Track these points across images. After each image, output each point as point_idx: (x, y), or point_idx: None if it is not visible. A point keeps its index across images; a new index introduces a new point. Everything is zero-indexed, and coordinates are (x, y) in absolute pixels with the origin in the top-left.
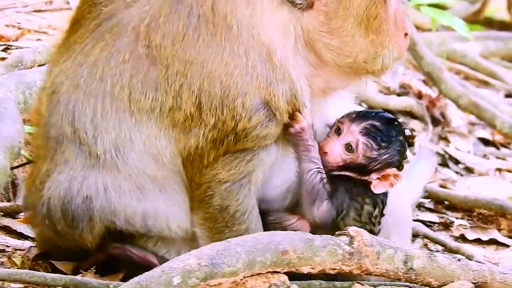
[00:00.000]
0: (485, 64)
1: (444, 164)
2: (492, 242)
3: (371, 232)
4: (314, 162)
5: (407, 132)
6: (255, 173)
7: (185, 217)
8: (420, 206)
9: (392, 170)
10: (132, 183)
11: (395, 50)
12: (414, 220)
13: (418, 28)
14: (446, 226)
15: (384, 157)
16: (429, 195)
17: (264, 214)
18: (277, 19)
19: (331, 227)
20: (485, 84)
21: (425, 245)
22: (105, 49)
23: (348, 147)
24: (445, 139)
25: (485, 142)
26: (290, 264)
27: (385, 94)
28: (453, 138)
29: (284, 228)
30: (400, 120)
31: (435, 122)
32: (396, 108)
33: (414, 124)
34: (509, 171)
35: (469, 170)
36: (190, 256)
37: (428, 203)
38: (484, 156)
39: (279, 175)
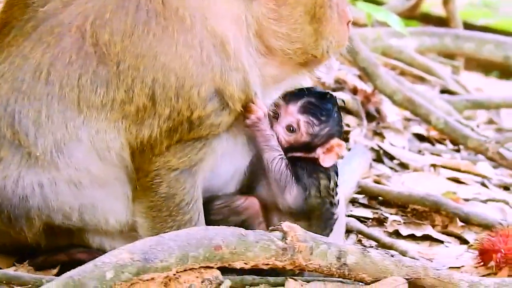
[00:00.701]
0: (421, 60)
1: (379, 159)
2: (426, 238)
3: (331, 204)
4: (276, 149)
5: (340, 103)
6: (205, 161)
7: (126, 211)
8: (354, 202)
9: (335, 141)
10: (71, 181)
11: (338, 38)
12: (348, 216)
13: (354, 23)
14: (380, 221)
15: (325, 130)
16: (363, 190)
17: (209, 202)
18: (229, 9)
19: (304, 209)
20: (421, 79)
21: (359, 240)
22: (48, 51)
23: (290, 128)
24: (380, 134)
25: (420, 138)
26: (223, 259)
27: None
28: (388, 134)
29: (233, 211)
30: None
31: (370, 117)
32: None
33: (349, 119)
34: (443, 167)
35: (404, 166)
36: (123, 251)
37: (362, 199)
38: (419, 152)
39: (227, 163)
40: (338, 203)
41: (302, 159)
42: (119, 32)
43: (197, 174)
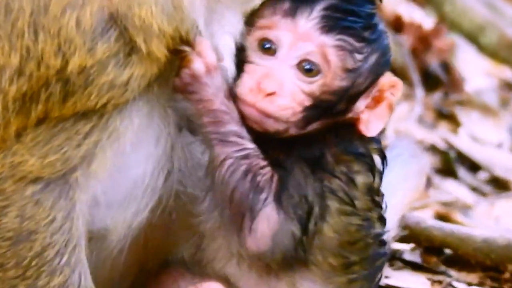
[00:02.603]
0: None
1: (447, 170)
2: None
3: (380, 220)
4: (232, 141)
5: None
6: (97, 162)
7: None
8: (393, 258)
9: (387, 81)
10: None
11: None
12: (381, 287)
13: None
14: None
15: (374, 56)
16: (411, 234)
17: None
18: None
19: (296, 249)
20: None
21: None
22: None
23: (306, 68)
24: (451, 118)
25: None
26: None
27: None
28: (468, 117)
29: None
30: None
31: (431, 82)
32: None
33: None
34: None
35: (499, 184)
36: None
37: (409, 252)
38: None
39: (138, 161)
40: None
41: (315, 142)
42: None
43: (77, 190)
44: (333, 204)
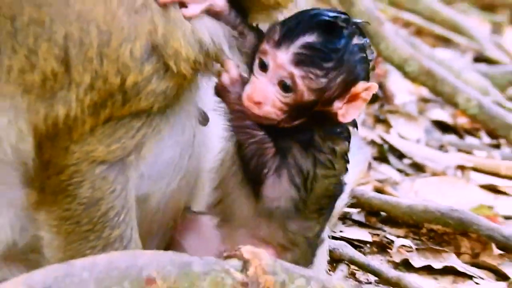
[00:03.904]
0: (446, 13)
1: (381, 158)
2: (448, 271)
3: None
4: (246, 132)
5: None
6: (144, 149)
7: (14, 224)
8: (345, 218)
9: (360, 87)
10: None
11: None
12: (336, 238)
13: None
14: (383, 247)
15: (339, 78)
16: (358, 202)
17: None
18: None
19: (297, 209)
20: (446, 42)
21: (352, 274)
22: None
23: (284, 86)
24: (385, 122)
25: (443, 127)
26: None
27: None
28: (396, 121)
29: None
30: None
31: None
32: None
33: None
34: (475, 169)
35: (418, 167)
36: (18, 283)
37: (357, 215)
38: (441, 147)
39: (170, 147)
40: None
41: (307, 127)
42: None
43: (131, 169)
44: (320, 171)
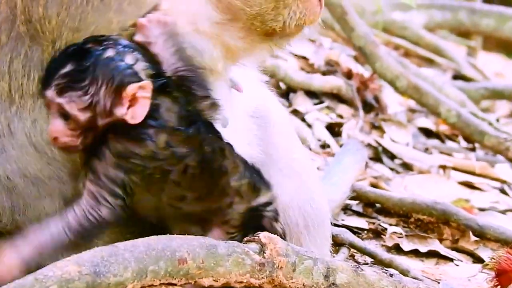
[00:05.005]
0: (430, 38)
1: (376, 158)
2: (432, 254)
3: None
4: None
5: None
6: None
7: None
8: (346, 209)
9: (131, 89)
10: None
11: (304, 10)
12: (339, 226)
13: None
14: (377, 233)
15: (102, 89)
16: (357, 195)
17: None
18: None
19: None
20: (429, 62)
21: (352, 256)
22: None
23: (62, 116)
24: (379, 128)
25: (427, 133)
26: (189, 275)
27: (307, 72)
28: (389, 128)
29: None
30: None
31: (367, 107)
32: (321, 89)
33: (342, 109)
34: (455, 169)
35: (407, 166)
36: (69, 262)
37: (356, 206)
38: (426, 150)
39: None
40: None
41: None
42: (54, 5)
43: None
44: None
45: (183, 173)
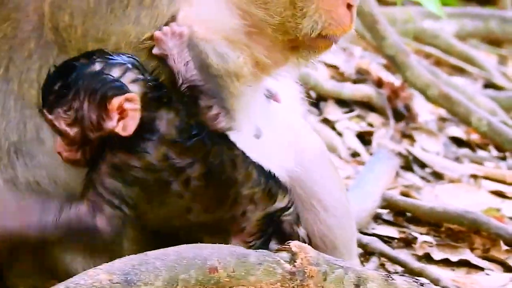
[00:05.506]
0: (461, 47)
1: (407, 167)
2: (463, 263)
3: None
4: None
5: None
6: None
7: None
8: (377, 218)
9: (116, 102)
10: (30, 184)
11: (328, 19)
12: (369, 235)
13: (380, 1)
14: (408, 243)
15: (85, 103)
16: (388, 204)
17: None
18: None
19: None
20: (460, 71)
21: (382, 265)
22: (5, 42)
23: (58, 132)
24: (410, 137)
25: (458, 142)
26: (219, 283)
27: (338, 80)
28: (420, 137)
29: None
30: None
31: (398, 116)
32: (351, 97)
33: (372, 118)
34: (486, 178)
35: (437, 176)
36: (100, 271)
37: (386, 215)
38: (457, 159)
39: None
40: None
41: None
42: (81, 14)
43: None
44: (132, 189)
45: (185, 185)
